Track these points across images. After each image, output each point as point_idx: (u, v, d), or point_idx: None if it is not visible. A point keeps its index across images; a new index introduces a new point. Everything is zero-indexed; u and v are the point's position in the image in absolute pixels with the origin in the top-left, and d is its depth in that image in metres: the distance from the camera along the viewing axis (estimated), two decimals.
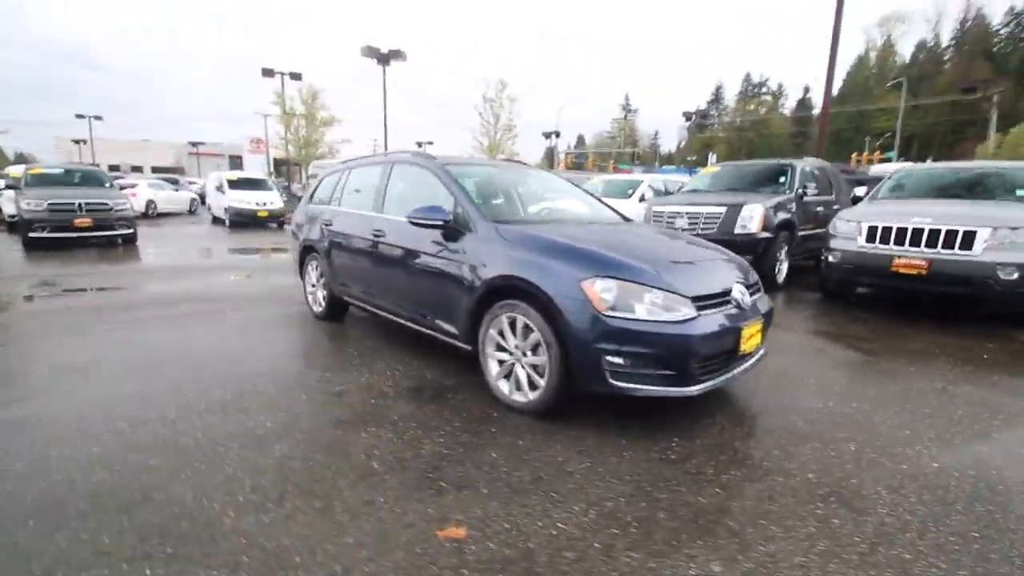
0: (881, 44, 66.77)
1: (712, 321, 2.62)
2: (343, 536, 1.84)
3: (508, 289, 2.90)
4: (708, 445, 2.59)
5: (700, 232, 6.77)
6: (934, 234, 5.14)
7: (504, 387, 3.00)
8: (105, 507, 1.98)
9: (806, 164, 8.32)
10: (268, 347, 4.10)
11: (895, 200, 6.41)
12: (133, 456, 2.36)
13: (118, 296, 6.03)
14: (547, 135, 37.29)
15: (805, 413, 2.97)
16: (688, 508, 2.06)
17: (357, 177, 4.66)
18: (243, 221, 16.03)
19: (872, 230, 5.57)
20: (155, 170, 42.22)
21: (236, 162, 47.15)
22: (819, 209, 8.13)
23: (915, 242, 5.24)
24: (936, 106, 54.97)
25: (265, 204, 16.28)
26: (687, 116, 35.47)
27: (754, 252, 6.57)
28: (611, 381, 2.54)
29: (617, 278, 2.59)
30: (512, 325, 2.90)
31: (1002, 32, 57.98)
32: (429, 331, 3.54)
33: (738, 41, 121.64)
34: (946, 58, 62.34)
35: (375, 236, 3.95)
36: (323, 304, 4.86)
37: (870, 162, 31.48)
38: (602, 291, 2.56)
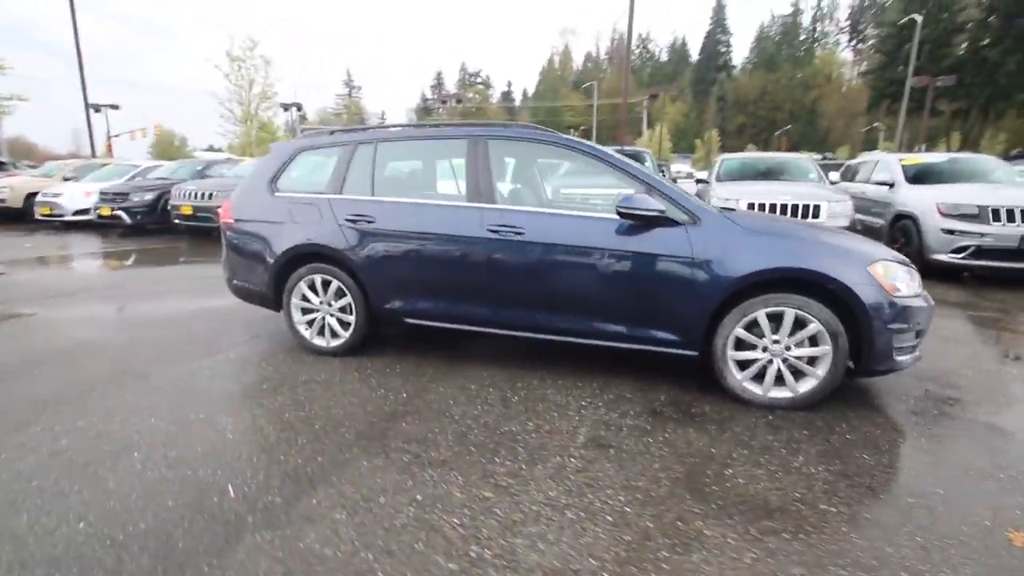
0: (562, 51, 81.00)
1: None
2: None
3: (771, 283, 2.70)
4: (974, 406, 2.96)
5: None
6: (795, 207, 6.83)
7: (755, 388, 2.80)
8: None
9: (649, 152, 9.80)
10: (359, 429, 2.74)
11: (738, 181, 8.15)
12: None
13: None
14: (286, 107, 32.87)
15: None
16: None
17: (402, 156, 3.42)
18: None
19: (751, 206, 7.03)
20: None
21: None
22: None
23: (783, 214, 6.88)
24: (602, 106, 70.28)
25: None
26: (443, 100, 36.19)
27: None
28: (896, 359, 2.69)
29: (887, 260, 2.73)
30: (774, 320, 2.72)
31: (636, 51, 77.43)
32: (613, 343, 2.97)
33: (454, 32, 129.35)
34: (604, 68, 79.81)
35: (497, 233, 3.02)
36: (349, 332, 3.45)
37: None
38: (884, 274, 2.66)
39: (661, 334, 2.89)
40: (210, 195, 9.44)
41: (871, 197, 8.11)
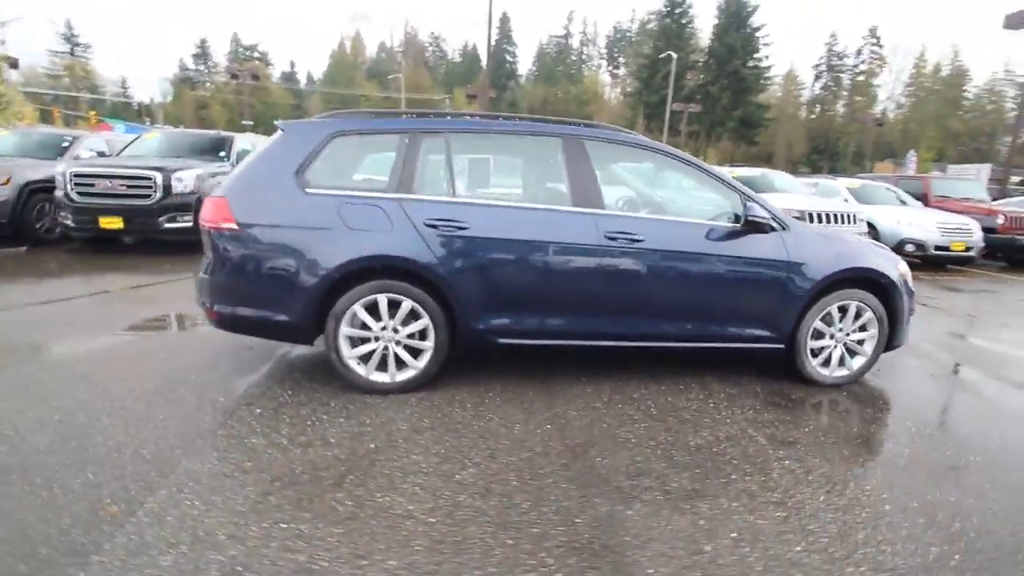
0: (353, 37, 76.93)
1: None
2: None
3: (844, 281, 3.17)
4: None
5: None
6: None
7: (824, 370, 3.27)
8: None
9: None
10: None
11: None
12: None
13: None
14: None
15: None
16: None
17: (480, 151, 2.93)
18: None
19: None
20: None
21: None
22: None
23: None
24: (397, 100, 69.27)
25: None
26: (233, 75, 30.20)
27: None
28: (906, 335, 3.44)
29: (901, 258, 3.45)
30: (842, 312, 3.21)
31: (431, 49, 78.19)
32: (715, 344, 3.13)
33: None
34: (399, 60, 78.49)
35: (615, 241, 2.87)
36: (426, 361, 2.85)
37: None
38: (903, 267, 3.37)
39: (760, 331, 3.14)
40: None
41: None
